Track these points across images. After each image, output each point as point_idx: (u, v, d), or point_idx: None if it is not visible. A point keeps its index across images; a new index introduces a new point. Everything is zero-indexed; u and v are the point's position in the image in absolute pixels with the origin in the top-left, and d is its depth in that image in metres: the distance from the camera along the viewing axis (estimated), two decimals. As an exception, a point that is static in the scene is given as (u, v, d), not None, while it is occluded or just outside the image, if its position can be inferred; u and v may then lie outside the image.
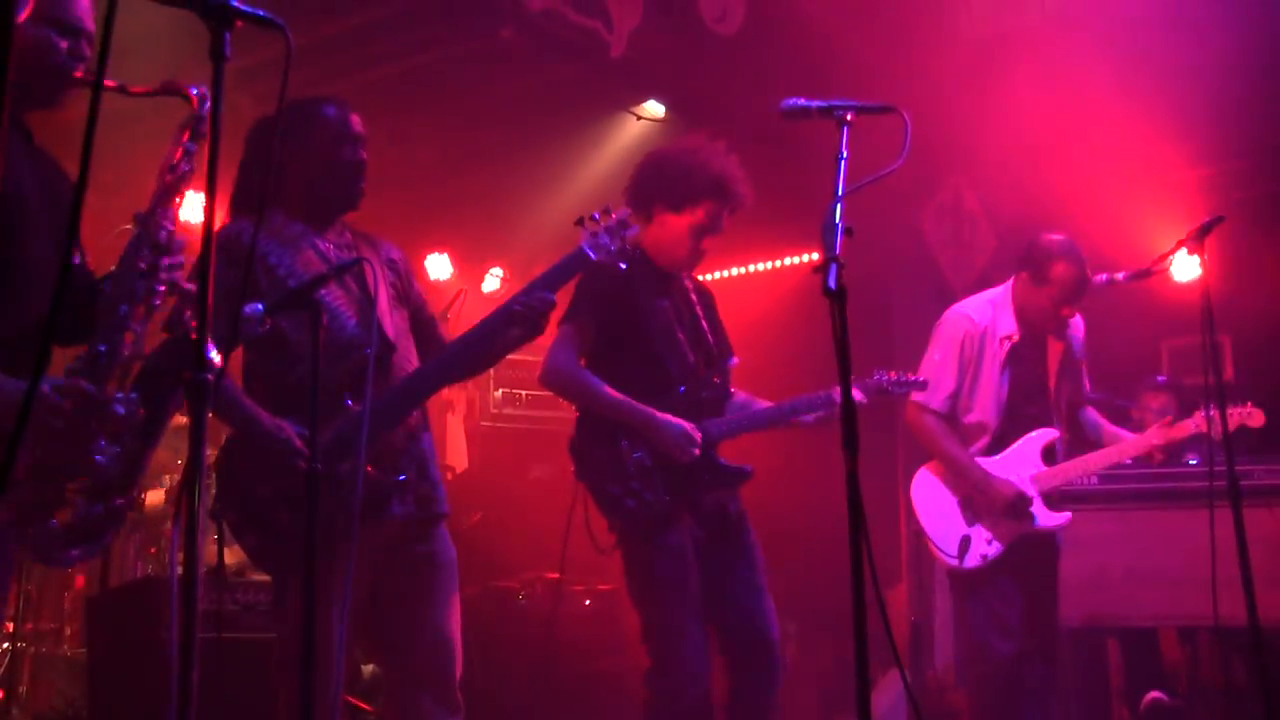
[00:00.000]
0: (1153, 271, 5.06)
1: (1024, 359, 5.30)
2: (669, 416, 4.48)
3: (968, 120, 7.66)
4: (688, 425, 4.48)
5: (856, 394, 4.20)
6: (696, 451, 4.46)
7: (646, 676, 4.50)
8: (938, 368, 5.31)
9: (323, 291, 3.71)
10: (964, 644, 5.54)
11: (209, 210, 2.39)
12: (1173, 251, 4.76)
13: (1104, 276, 5.16)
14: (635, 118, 7.80)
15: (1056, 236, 5.25)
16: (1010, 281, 5.39)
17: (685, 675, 4.37)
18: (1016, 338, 5.28)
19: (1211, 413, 4.78)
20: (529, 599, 6.30)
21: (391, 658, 4.10)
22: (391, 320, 3.98)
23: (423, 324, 4.21)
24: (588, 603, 6.61)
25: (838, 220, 3.02)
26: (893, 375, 4.71)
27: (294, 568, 3.70)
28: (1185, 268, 6.32)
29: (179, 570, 2.38)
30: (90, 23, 3.13)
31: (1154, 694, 6.29)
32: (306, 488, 3.24)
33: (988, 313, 5.35)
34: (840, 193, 3.08)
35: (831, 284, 2.91)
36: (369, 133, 4.09)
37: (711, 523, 4.60)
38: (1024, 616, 5.17)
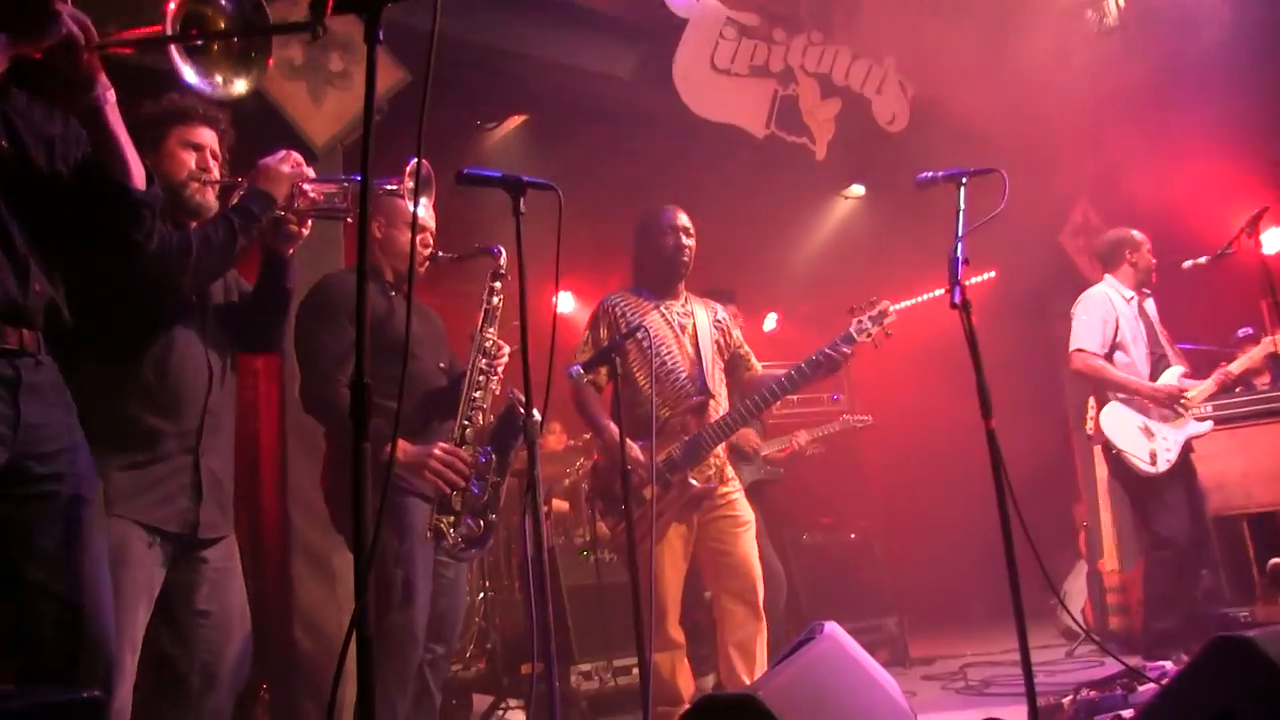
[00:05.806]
0: (1226, 254, 4.62)
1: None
2: None
3: (1087, 162, 7.24)
4: None
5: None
6: None
7: None
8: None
9: (665, 353, 3.79)
10: (1146, 536, 5.01)
11: (523, 317, 2.55)
12: (1237, 237, 4.36)
13: (1189, 262, 4.75)
14: (843, 198, 7.70)
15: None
16: None
17: None
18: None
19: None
20: (809, 536, 6.25)
21: (716, 582, 4.04)
22: (712, 372, 3.89)
23: (739, 360, 4.09)
24: (852, 535, 6.57)
25: (959, 254, 2.93)
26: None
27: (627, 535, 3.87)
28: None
29: (529, 547, 2.52)
30: (432, 224, 3.32)
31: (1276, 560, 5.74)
32: (623, 483, 3.28)
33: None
34: (960, 234, 2.98)
35: (956, 299, 2.83)
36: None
37: None
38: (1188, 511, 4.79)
